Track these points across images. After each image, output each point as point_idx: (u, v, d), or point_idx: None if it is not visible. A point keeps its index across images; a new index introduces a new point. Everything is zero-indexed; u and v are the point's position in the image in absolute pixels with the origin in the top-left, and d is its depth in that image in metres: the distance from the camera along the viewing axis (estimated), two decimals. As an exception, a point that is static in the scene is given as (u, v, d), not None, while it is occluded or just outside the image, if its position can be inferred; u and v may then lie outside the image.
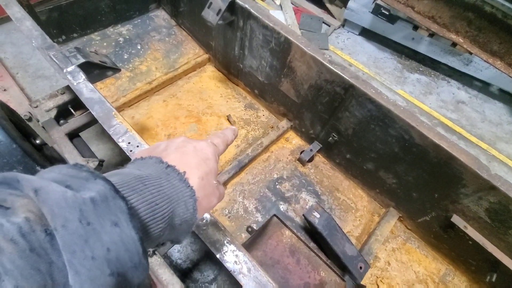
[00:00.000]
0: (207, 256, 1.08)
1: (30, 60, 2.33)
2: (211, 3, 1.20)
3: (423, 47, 2.83)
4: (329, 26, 3.14)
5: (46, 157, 1.38)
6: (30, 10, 1.10)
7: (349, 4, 2.91)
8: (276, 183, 1.31)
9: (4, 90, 1.88)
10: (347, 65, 2.87)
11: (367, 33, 3.08)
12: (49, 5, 1.27)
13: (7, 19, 2.66)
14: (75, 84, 0.83)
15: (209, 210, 0.38)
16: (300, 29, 2.99)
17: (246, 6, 1.20)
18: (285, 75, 1.28)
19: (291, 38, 1.13)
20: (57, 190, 0.21)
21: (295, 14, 3.09)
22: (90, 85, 0.84)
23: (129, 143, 0.77)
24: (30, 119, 1.26)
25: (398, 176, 1.17)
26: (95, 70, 0.96)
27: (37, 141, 1.32)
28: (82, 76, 0.85)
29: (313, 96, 1.23)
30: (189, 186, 0.32)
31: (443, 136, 0.97)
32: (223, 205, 1.22)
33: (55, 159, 1.49)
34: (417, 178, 1.11)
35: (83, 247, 0.21)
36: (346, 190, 1.34)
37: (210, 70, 1.65)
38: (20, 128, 1.29)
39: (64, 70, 0.85)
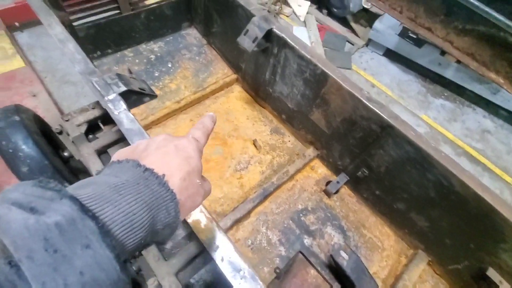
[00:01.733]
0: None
1: (58, 65, 2.39)
2: (247, 30, 1.20)
3: (450, 73, 2.77)
4: (353, 45, 3.11)
5: (72, 168, 1.40)
6: (71, 28, 1.12)
7: (375, 24, 2.88)
8: (301, 214, 1.28)
9: (34, 95, 1.92)
10: (370, 86, 2.83)
11: (391, 54, 3.03)
12: (88, 23, 1.29)
13: (38, 22, 2.75)
14: (116, 113, 0.83)
15: (195, 209, 0.37)
16: (323, 46, 2.97)
17: (283, 35, 1.18)
18: (317, 106, 1.25)
19: (328, 72, 1.11)
20: (18, 218, 0.20)
21: (319, 31, 3.08)
22: (130, 115, 0.84)
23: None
24: (60, 132, 1.28)
25: (431, 220, 1.12)
26: (133, 96, 0.96)
27: (65, 154, 1.33)
28: (122, 105, 0.85)
29: (346, 130, 1.20)
30: (169, 189, 0.30)
31: (486, 188, 0.93)
32: (246, 235, 1.20)
33: (80, 171, 1.50)
34: (452, 225, 1.06)
35: (53, 276, 0.20)
36: (373, 227, 1.30)
37: (237, 91, 1.64)
38: (50, 139, 1.31)
39: (105, 98, 0.85)
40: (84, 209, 0.23)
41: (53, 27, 1.00)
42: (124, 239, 0.25)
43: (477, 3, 1.20)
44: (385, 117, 1.01)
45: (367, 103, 1.04)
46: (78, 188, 0.25)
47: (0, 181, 1.55)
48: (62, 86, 2.28)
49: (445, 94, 2.94)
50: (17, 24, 2.52)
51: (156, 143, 0.35)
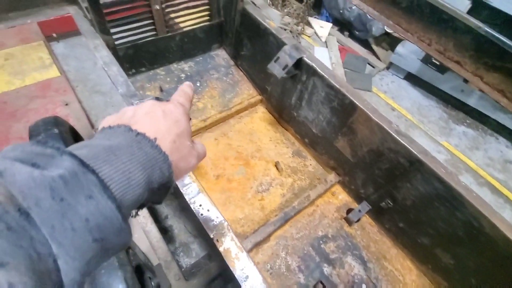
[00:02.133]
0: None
1: (90, 75, 2.51)
2: (278, 58, 1.24)
3: (473, 100, 2.73)
4: (374, 67, 3.13)
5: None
6: (114, 50, 1.18)
7: (397, 48, 2.90)
8: (321, 241, 1.27)
9: (66, 104, 2.02)
10: (390, 109, 2.82)
11: (412, 78, 3.03)
12: (127, 43, 1.37)
13: (74, 33, 2.91)
14: (154, 137, 0.87)
15: (191, 170, 0.38)
16: (344, 68, 3.00)
17: (313, 64, 1.22)
18: (343, 134, 1.26)
19: (357, 102, 1.12)
20: (23, 171, 0.21)
21: (340, 52, 3.11)
22: (167, 139, 0.87)
23: (200, 205, 0.78)
24: (92, 145, 1.33)
25: (457, 258, 1.09)
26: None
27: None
28: (160, 129, 0.89)
29: (372, 160, 1.20)
30: (161, 151, 0.31)
31: (520, 232, 0.90)
32: (265, 259, 1.20)
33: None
34: (480, 266, 1.03)
35: (61, 221, 0.21)
36: (394, 260, 1.27)
37: (261, 111, 1.68)
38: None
39: (145, 121, 0.90)
40: (85, 164, 0.24)
41: (99, 50, 1.07)
42: (122, 195, 0.26)
43: (509, 42, 1.20)
44: (415, 152, 1.01)
45: (396, 137, 1.05)
46: (75, 150, 0.26)
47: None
48: (92, 95, 2.39)
49: (468, 121, 2.89)
50: (54, 35, 2.68)
51: (144, 109, 0.36)
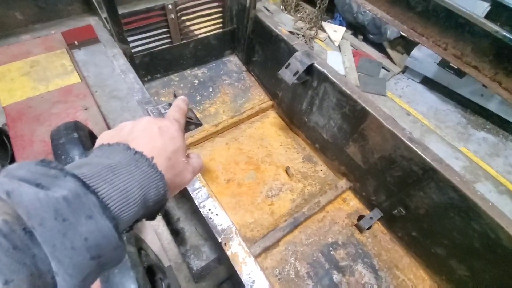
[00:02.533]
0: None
1: (107, 81, 2.61)
2: (289, 64, 1.25)
3: (493, 105, 2.62)
4: (388, 71, 3.07)
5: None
6: (131, 58, 1.24)
7: (413, 52, 2.84)
8: (331, 248, 1.26)
9: (86, 109, 2.12)
10: (405, 114, 2.76)
11: (429, 82, 2.95)
12: (143, 51, 1.42)
13: (94, 41, 3.05)
14: (167, 142, 0.90)
15: (186, 184, 0.39)
16: (357, 72, 2.96)
17: (324, 70, 1.22)
18: (354, 140, 1.25)
19: (368, 109, 1.11)
20: (30, 192, 0.23)
21: (353, 57, 3.08)
22: (179, 144, 0.90)
23: (209, 209, 0.80)
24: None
25: (472, 270, 1.05)
26: (181, 124, 1.04)
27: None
28: (173, 134, 0.92)
29: (383, 167, 1.18)
30: (157, 170, 0.32)
31: (541, 245, 0.86)
32: (274, 264, 1.20)
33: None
34: (497, 279, 0.99)
35: (62, 240, 0.22)
36: (407, 269, 1.24)
37: (272, 116, 1.69)
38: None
39: (159, 127, 0.93)
40: (86, 185, 0.26)
41: (117, 59, 1.12)
42: (120, 213, 0.28)
43: (530, 47, 1.16)
44: (428, 160, 0.99)
45: (409, 144, 1.03)
46: (76, 168, 0.28)
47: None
48: (110, 100, 2.49)
49: (488, 126, 2.78)
50: (76, 43, 2.81)
51: (141, 125, 0.37)
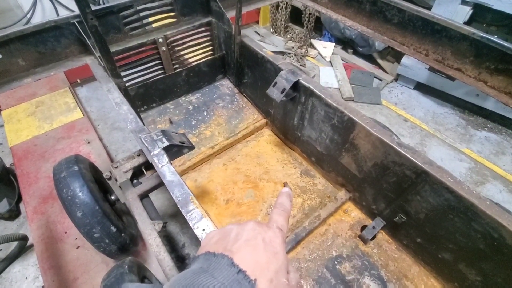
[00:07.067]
0: None
1: (109, 114, 2.72)
2: (276, 83, 1.30)
3: (491, 104, 2.62)
4: (381, 80, 3.12)
5: (117, 211, 1.52)
6: (125, 91, 1.30)
7: (403, 60, 2.90)
8: (335, 262, 1.23)
9: (88, 142, 2.19)
10: (403, 120, 2.76)
11: (422, 87, 2.98)
12: (138, 83, 1.50)
13: (94, 78, 3.21)
14: (159, 167, 0.93)
15: None
16: (350, 83, 3.02)
17: (309, 86, 1.26)
18: (347, 150, 1.27)
19: (355, 118, 1.14)
20: None
21: (345, 70, 3.16)
22: (172, 167, 0.93)
23: (203, 230, 0.80)
24: (110, 178, 1.42)
25: (483, 274, 1.01)
26: (174, 149, 1.07)
27: (112, 197, 1.46)
28: (165, 159, 0.95)
29: (378, 174, 1.18)
30: None
31: (545, 241, 0.84)
32: (279, 283, 1.17)
33: (124, 212, 1.62)
34: (509, 281, 0.95)
35: None
36: (416, 278, 1.20)
37: (267, 134, 1.72)
38: (101, 184, 1.46)
39: (152, 153, 0.96)
40: None
41: (111, 92, 1.18)
42: None
43: (507, 45, 1.19)
44: (419, 163, 0.99)
45: (398, 149, 1.04)
46: None
47: (55, 221, 1.72)
48: (112, 132, 2.57)
49: (488, 125, 2.76)
50: (78, 81, 2.96)
51: (245, 233, 0.38)
